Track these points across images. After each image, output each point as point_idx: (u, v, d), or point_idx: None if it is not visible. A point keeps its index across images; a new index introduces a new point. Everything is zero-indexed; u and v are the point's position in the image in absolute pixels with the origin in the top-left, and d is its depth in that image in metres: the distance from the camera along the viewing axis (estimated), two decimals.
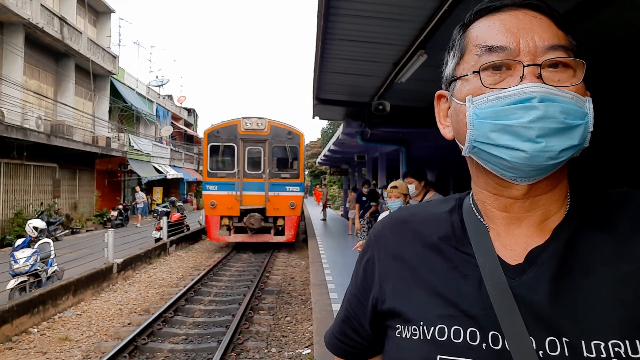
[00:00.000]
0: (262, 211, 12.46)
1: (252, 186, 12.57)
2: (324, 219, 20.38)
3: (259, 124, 12.76)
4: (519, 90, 0.58)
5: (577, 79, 0.61)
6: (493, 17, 0.65)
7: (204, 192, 12.94)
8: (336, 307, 5.02)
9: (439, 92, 0.74)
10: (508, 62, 0.61)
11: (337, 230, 16.59)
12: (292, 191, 12.72)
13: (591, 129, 0.60)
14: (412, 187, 4.32)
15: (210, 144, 12.71)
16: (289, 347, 5.46)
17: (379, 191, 11.33)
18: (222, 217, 12.46)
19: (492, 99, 0.60)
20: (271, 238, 12.57)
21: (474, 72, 0.63)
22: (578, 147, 0.59)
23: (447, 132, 0.72)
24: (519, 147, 0.58)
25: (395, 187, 4.24)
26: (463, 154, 0.66)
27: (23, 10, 14.15)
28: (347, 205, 17.85)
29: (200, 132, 40.00)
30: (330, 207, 21.60)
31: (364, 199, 11.26)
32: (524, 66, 0.59)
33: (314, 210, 26.41)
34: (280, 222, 12.64)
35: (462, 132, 0.64)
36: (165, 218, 12.82)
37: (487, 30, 0.64)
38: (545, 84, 0.59)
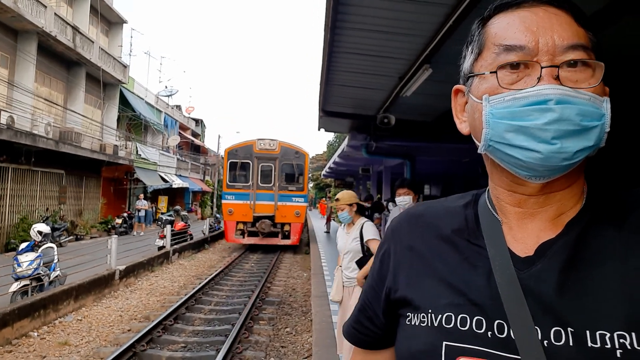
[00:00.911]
0: (271, 218, 14.39)
1: (264, 197, 14.55)
2: (328, 232, 20.33)
3: (271, 145, 14.89)
4: (536, 91, 0.58)
5: (596, 79, 0.61)
6: (512, 14, 0.64)
7: (223, 201, 14.96)
8: (336, 319, 5.01)
9: (456, 86, 0.74)
10: (526, 62, 0.61)
11: None
12: (298, 202, 14.64)
13: (608, 130, 0.60)
14: (408, 199, 4.15)
15: (230, 161, 14.77)
16: (288, 358, 5.43)
17: (384, 203, 11.35)
18: (237, 223, 14.35)
19: (508, 99, 0.60)
20: (279, 241, 14.49)
21: (491, 73, 0.63)
22: (593, 147, 0.59)
23: (463, 127, 0.73)
24: (534, 147, 0.58)
25: (338, 199, 4.22)
26: (479, 151, 0.67)
27: (37, 19, 14.43)
28: None
29: (207, 143, 40.40)
30: (334, 219, 21.50)
31: (367, 213, 11.23)
32: (542, 67, 0.59)
33: (318, 223, 26.29)
34: (286, 227, 14.57)
35: (478, 129, 0.65)
36: (169, 226, 12.88)
37: (506, 28, 0.63)
38: (562, 85, 0.58)
